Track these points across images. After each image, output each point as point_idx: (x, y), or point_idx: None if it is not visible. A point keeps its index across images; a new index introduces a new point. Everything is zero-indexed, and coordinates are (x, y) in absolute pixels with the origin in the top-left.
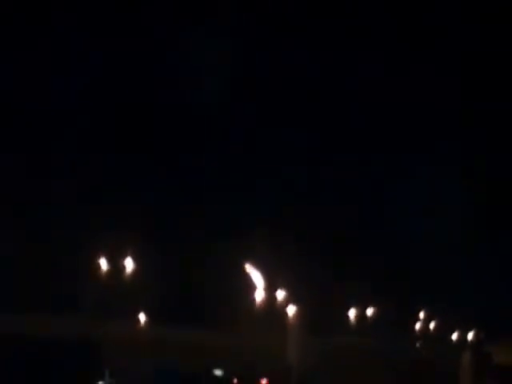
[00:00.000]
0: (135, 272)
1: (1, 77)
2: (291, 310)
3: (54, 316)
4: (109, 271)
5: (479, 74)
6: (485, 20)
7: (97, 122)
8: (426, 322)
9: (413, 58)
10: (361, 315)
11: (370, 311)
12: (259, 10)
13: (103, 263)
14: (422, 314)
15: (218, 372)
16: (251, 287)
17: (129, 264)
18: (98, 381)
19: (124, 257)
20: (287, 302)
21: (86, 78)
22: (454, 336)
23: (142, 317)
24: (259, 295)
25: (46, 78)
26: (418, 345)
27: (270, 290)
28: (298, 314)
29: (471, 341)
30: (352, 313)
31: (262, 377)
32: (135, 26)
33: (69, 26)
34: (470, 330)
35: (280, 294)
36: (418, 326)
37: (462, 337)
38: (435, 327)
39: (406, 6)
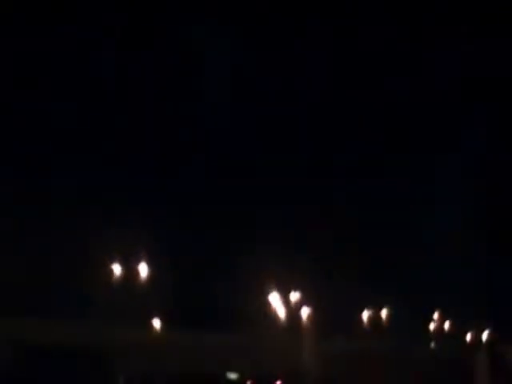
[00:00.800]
0: (149, 277)
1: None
2: (305, 312)
3: (66, 322)
4: (122, 276)
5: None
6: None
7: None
8: (441, 322)
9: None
10: (375, 317)
11: (383, 313)
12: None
13: (117, 268)
14: (436, 315)
15: (232, 375)
16: (265, 289)
17: (143, 269)
18: None
19: (138, 262)
20: (301, 304)
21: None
22: (469, 336)
23: (157, 322)
24: (273, 297)
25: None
26: (432, 345)
27: (284, 291)
28: (312, 316)
29: (485, 341)
30: (366, 315)
31: (276, 379)
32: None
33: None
34: (484, 330)
35: (294, 296)
36: (432, 326)
37: (477, 337)
38: (449, 328)
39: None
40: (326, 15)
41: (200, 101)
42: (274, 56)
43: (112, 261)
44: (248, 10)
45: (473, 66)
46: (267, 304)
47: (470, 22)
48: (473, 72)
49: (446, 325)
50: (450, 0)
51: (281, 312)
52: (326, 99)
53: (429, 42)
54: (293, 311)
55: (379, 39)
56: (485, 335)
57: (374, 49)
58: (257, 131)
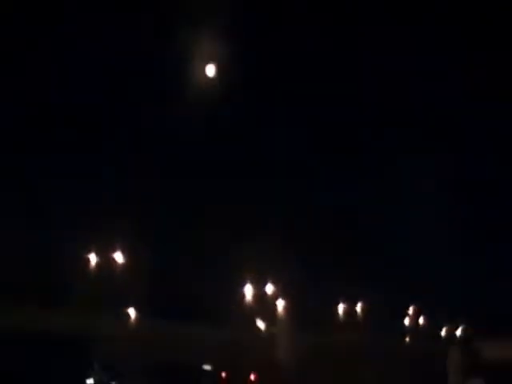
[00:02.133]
0: (125, 266)
1: None
2: (280, 304)
3: (42, 311)
4: (98, 265)
5: None
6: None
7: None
8: (415, 317)
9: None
10: (350, 311)
11: (358, 306)
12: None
13: (92, 257)
14: (410, 310)
15: (206, 366)
16: (240, 281)
17: (118, 258)
18: (89, 376)
19: (113, 251)
20: (276, 296)
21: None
22: (443, 332)
23: (132, 312)
24: (248, 289)
25: None
26: (406, 340)
27: (259, 284)
28: (287, 308)
29: (460, 336)
30: (341, 308)
31: (250, 371)
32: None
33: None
34: (458, 325)
35: (269, 288)
36: (406, 321)
37: (451, 333)
38: (424, 323)
39: None
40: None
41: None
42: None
43: (88, 250)
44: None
45: None
46: (242, 296)
47: None
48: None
49: (421, 320)
50: None
51: (256, 305)
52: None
53: None
54: (268, 303)
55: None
56: (459, 331)
57: None
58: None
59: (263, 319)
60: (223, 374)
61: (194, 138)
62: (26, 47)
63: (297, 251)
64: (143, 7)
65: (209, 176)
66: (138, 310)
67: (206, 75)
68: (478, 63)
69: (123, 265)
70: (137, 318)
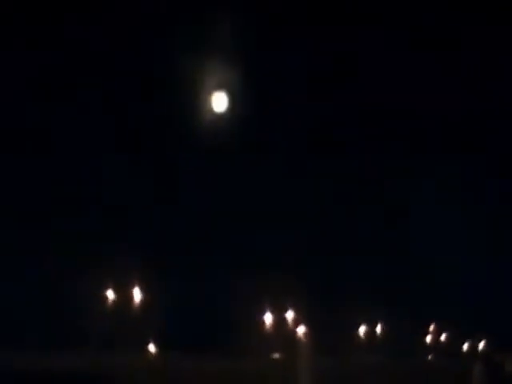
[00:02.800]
0: (143, 302)
1: None
2: (301, 330)
3: (61, 350)
4: (116, 302)
5: None
6: None
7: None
8: (437, 334)
9: None
10: (371, 332)
11: (379, 327)
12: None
13: (110, 294)
14: (432, 327)
15: None
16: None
17: (137, 294)
18: None
19: (132, 287)
20: (297, 322)
21: None
22: (465, 347)
23: (151, 347)
24: (268, 317)
25: None
26: (429, 358)
27: (280, 311)
28: (308, 334)
29: (482, 351)
30: (362, 330)
31: None
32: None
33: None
34: (480, 340)
35: (289, 315)
36: (428, 339)
37: (473, 347)
38: (446, 339)
39: None
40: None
41: None
42: None
43: (105, 287)
44: None
45: None
46: (262, 324)
47: None
48: None
49: (443, 337)
50: None
51: (277, 332)
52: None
53: None
54: (289, 330)
55: None
56: (481, 346)
57: None
58: None
59: (284, 346)
60: None
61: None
62: None
63: (315, 277)
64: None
65: (223, 209)
66: (157, 345)
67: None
68: None
69: (142, 301)
70: (157, 353)
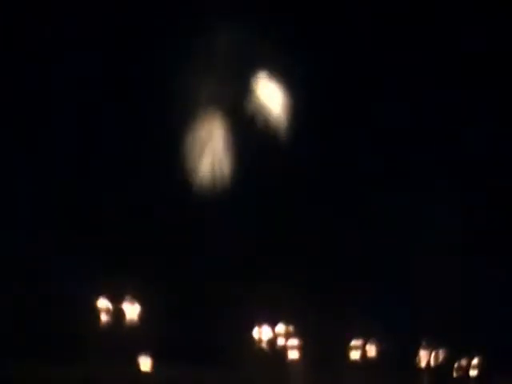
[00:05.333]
0: (137, 314)
1: None
2: (292, 344)
3: (54, 363)
4: (110, 314)
5: None
6: None
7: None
8: (429, 353)
9: None
10: (362, 349)
11: (370, 345)
12: None
13: (103, 305)
14: (424, 347)
15: None
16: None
17: (130, 306)
18: None
19: (124, 299)
20: (288, 336)
21: None
22: (458, 366)
23: (145, 359)
24: (258, 331)
25: None
26: (422, 378)
27: (270, 324)
28: (299, 348)
29: (476, 370)
30: (353, 347)
31: None
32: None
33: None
34: (473, 359)
35: (280, 328)
36: (420, 358)
37: (466, 367)
38: (438, 359)
39: None
40: None
41: None
42: None
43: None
44: None
45: None
46: (253, 338)
47: None
48: None
49: (434, 356)
50: None
51: (267, 345)
52: None
53: None
54: (280, 344)
55: None
56: (474, 364)
57: None
58: None
59: (275, 360)
60: None
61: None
62: None
63: (308, 291)
64: None
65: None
66: (151, 357)
67: None
68: None
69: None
70: (150, 365)
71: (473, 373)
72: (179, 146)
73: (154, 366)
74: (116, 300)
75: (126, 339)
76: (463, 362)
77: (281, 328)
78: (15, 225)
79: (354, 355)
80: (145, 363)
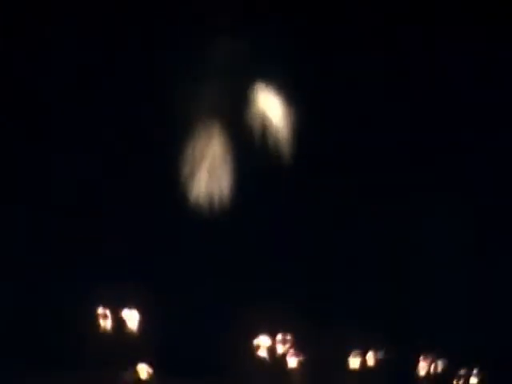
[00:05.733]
0: (138, 323)
1: None
2: (292, 355)
3: (55, 371)
4: (110, 322)
5: None
6: None
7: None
8: (428, 365)
9: None
10: (362, 360)
11: (370, 355)
12: None
13: (104, 314)
14: (422, 357)
15: None
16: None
17: (130, 315)
18: None
19: (125, 307)
20: (288, 347)
21: None
22: (457, 378)
23: (143, 367)
24: (258, 341)
25: None
26: None
27: (271, 335)
28: (299, 359)
29: (475, 381)
30: (353, 357)
31: None
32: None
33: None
34: (472, 370)
35: (280, 339)
36: (419, 369)
37: (466, 378)
38: (437, 370)
39: None
40: None
41: None
42: None
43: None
44: None
45: None
46: (255, 348)
47: None
48: None
49: (434, 367)
50: None
51: (268, 356)
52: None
53: None
54: (281, 354)
55: None
56: (473, 376)
57: None
58: None
59: (275, 371)
60: None
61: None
62: None
63: (309, 301)
64: None
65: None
66: (151, 366)
67: None
68: None
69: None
70: (150, 374)
71: (473, 382)
72: (177, 157)
73: (154, 374)
74: (115, 308)
75: (125, 348)
76: (463, 372)
77: (280, 338)
78: (15, 234)
79: (354, 365)
80: (144, 372)
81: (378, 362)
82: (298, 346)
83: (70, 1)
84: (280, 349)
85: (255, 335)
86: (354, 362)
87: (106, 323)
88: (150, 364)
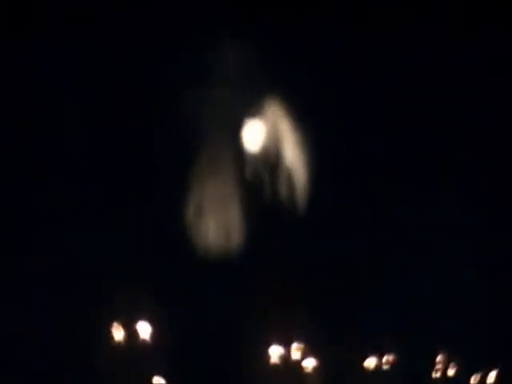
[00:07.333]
0: (150, 336)
1: None
2: (309, 363)
3: None
4: (123, 337)
5: None
6: None
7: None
8: (444, 366)
9: None
10: (378, 365)
11: (385, 359)
12: None
13: (117, 329)
14: (438, 359)
15: None
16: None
17: (143, 328)
18: None
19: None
20: (304, 355)
21: None
22: (473, 379)
23: (160, 381)
24: (274, 350)
25: None
26: None
27: (286, 344)
28: (316, 367)
29: (491, 382)
30: (369, 362)
31: None
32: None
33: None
34: (489, 371)
35: (294, 349)
36: (435, 370)
37: (482, 379)
38: (453, 371)
39: None
40: None
41: None
42: None
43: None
44: None
45: None
46: (269, 357)
47: None
48: None
49: (450, 368)
50: None
51: (283, 365)
52: None
53: None
54: (295, 363)
55: None
56: (491, 377)
57: None
58: None
59: (291, 380)
60: None
61: None
62: None
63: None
64: None
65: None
66: (165, 379)
67: None
68: None
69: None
70: None
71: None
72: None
73: None
74: (129, 323)
75: (139, 362)
76: (480, 375)
77: (295, 349)
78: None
79: (369, 368)
80: None
81: (392, 365)
82: (312, 353)
83: (70, 1)
84: (294, 356)
85: (270, 346)
86: (369, 365)
87: (120, 336)
88: (165, 377)
